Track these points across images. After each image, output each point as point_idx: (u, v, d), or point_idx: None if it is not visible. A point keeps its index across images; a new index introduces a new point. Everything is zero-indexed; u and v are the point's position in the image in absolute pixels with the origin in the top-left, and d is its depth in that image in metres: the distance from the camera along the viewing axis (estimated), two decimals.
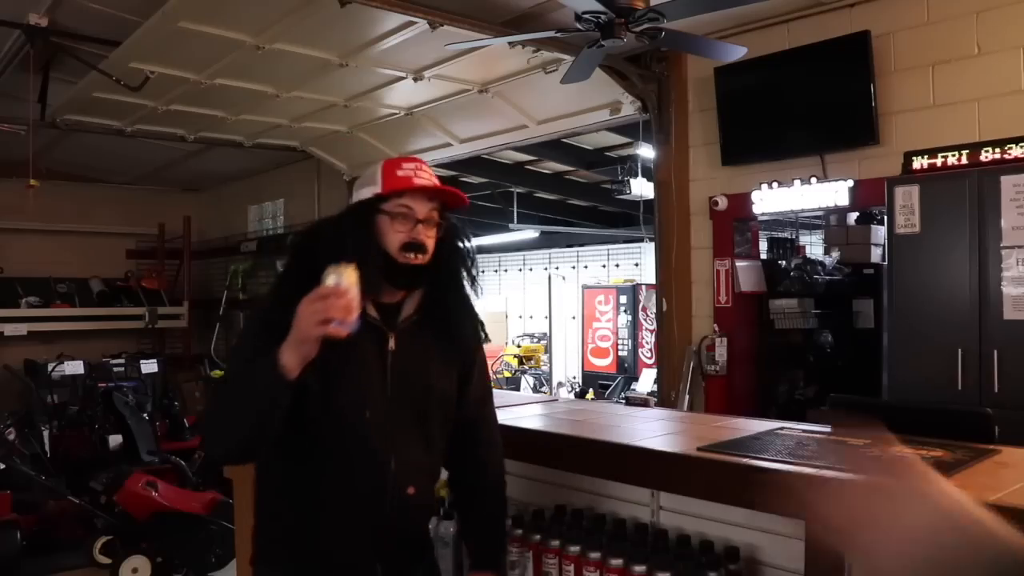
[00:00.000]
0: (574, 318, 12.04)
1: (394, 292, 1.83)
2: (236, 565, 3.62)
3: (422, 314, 1.84)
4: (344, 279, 1.58)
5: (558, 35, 4.03)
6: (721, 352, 5.25)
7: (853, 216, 5.72)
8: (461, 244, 1.92)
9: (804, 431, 2.05)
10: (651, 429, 2.26)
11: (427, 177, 1.80)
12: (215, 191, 10.73)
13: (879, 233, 5.38)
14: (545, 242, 13.72)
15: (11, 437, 5.56)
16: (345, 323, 1.58)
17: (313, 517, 1.74)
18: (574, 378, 11.82)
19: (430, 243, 1.80)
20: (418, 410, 1.80)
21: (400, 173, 1.78)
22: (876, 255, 5.53)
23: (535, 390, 11.15)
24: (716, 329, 5.31)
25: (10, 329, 8.24)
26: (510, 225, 11.44)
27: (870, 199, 4.66)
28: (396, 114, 6.70)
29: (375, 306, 1.80)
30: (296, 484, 1.77)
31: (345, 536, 1.74)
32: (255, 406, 1.61)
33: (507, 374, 12.06)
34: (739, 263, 5.30)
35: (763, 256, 5.77)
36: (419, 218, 1.76)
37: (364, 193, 1.79)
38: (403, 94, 6.15)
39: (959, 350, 3.75)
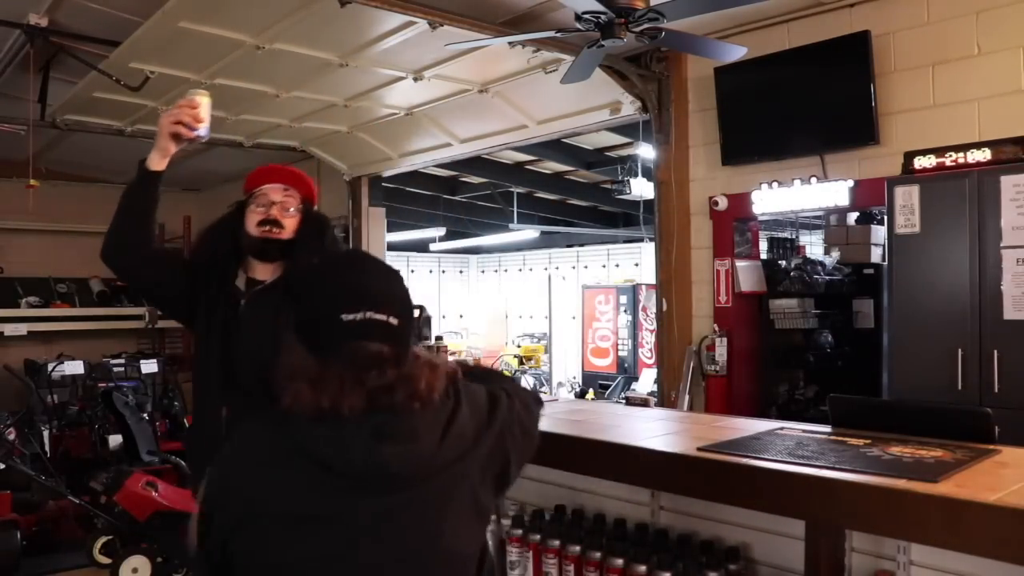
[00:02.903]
0: (574, 318, 12.05)
1: (267, 268, 2.21)
2: None
3: (278, 281, 2.21)
4: (198, 97, 2.08)
5: (558, 35, 4.02)
6: (721, 352, 5.25)
7: (853, 216, 5.72)
8: (320, 223, 2.30)
9: (804, 431, 2.05)
10: (651, 429, 2.26)
11: (280, 173, 2.22)
12: (215, 191, 10.72)
13: (879, 233, 5.38)
14: (545, 242, 13.73)
15: (11, 437, 5.56)
16: (192, 128, 2.09)
17: None
18: (574, 378, 11.83)
19: (288, 221, 2.18)
20: None
21: (260, 176, 2.24)
22: (876, 255, 5.53)
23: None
24: (716, 329, 5.30)
25: (10, 329, 8.24)
26: (510, 225, 11.45)
27: (870, 199, 4.65)
28: (396, 114, 6.70)
29: (245, 280, 2.22)
30: None
31: None
32: (126, 198, 2.18)
33: (507, 374, 12.06)
34: (739, 263, 5.30)
35: (763, 256, 5.76)
36: (273, 200, 2.15)
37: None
38: (403, 94, 6.15)
39: (959, 350, 3.75)
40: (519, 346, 12.88)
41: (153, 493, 4.72)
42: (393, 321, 1.32)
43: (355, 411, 1.26)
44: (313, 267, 1.48)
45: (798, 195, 4.88)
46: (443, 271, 15.17)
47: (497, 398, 1.45)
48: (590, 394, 10.74)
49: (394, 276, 1.41)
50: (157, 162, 2.17)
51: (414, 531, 1.30)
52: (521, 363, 12.25)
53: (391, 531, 1.28)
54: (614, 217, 12.38)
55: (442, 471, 1.32)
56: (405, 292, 1.39)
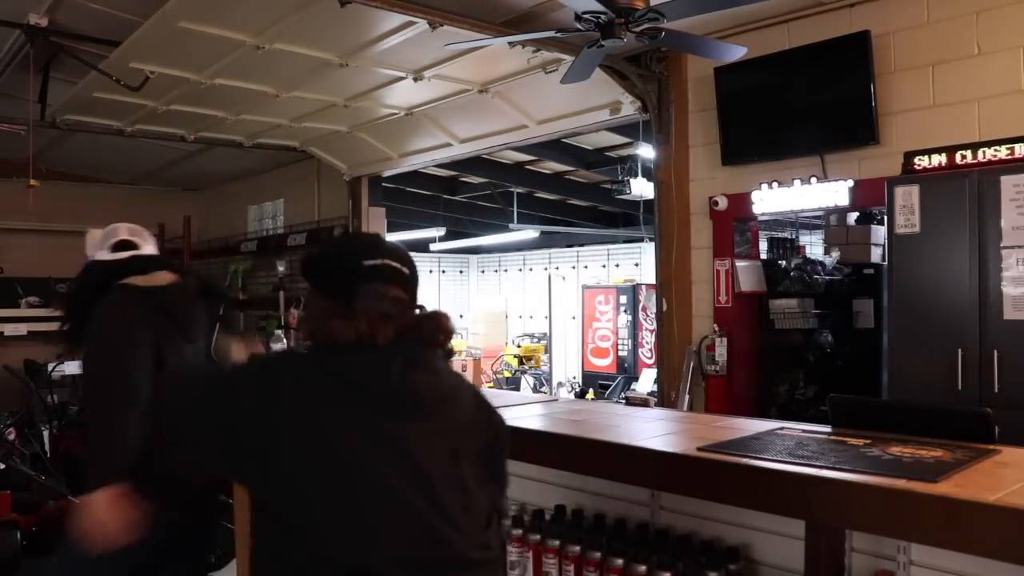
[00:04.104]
0: (574, 318, 12.04)
1: None
2: (236, 565, 3.62)
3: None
4: None
5: (558, 35, 4.02)
6: (721, 352, 5.25)
7: (853, 216, 5.72)
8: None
9: (804, 431, 2.05)
10: (651, 429, 2.26)
11: None
12: (215, 191, 10.72)
13: (879, 233, 5.38)
14: (545, 242, 13.73)
15: (11, 437, 5.56)
16: None
17: None
18: (574, 378, 11.82)
19: None
20: None
21: None
22: (876, 255, 5.52)
23: (535, 390, 11.15)
24: (716, 329, 5.30)
25: (10, 329, 8.24)
26: (510, 225, 11.45)
27: (870, 199, 4.66)
28: (396, 114, 6.70)
29: None
30: None
31: None
32: None
33: (507, 374, 12.06)
34: (739, 263, 5.30)
35: (763, 256, 5.76)
36: None
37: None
38: (403, 94, 6.15)
39: (959, 350, 3.75)
40: (519, 346, 12.87)
41: None
42: (405, 270, 1.52)
43: (388, 341, 1.41)
44: (332, 240, 1.81)
45: (798, 195, 4.88)
46: (443, 271, 15.17)
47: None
48: (590, 394, 10.74)
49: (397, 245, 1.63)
50: None
51: (429, 457, 1.39)
52: (521, 363, 12.24)
53: (407, 454, 1.37)
54: (614, 217, 12.38)
55: (452, 410, 1.47)
56: (408, 255, 1.58)
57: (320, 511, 1.33)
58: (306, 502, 1.33)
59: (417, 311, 1.51)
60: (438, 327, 1.48)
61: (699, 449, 1.83)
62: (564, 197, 11.58)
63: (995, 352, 3.65)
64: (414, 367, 1.41)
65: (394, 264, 1.49)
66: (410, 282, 1.51)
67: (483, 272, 15.65)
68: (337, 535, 1.32)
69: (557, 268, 13.94)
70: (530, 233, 12.31)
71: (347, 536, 1.32)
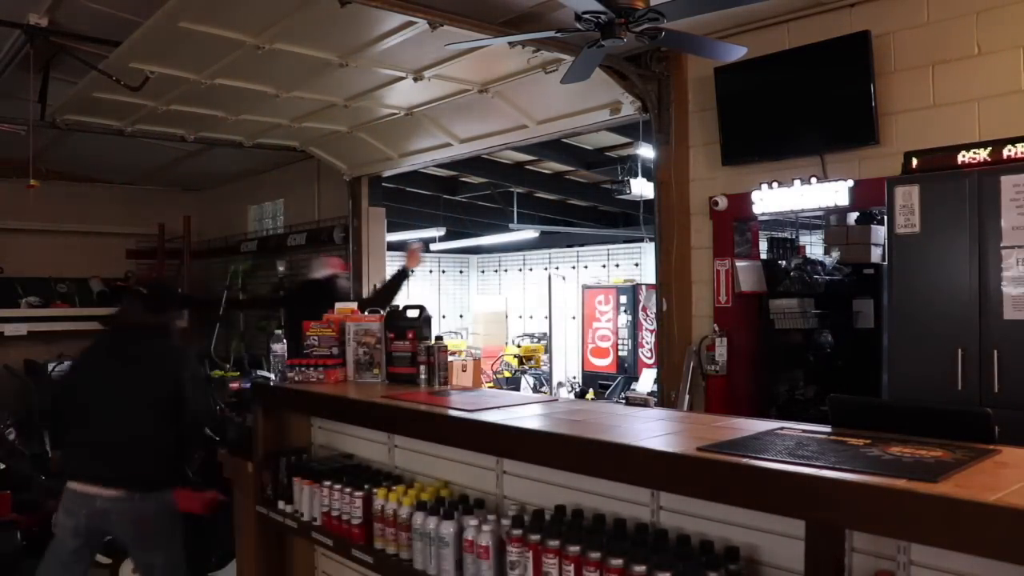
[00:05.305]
0: (574, 318, 12.05)
1: None
2: (236, 565, 3.63)
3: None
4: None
5: (558, 35, 4.02)
6: (721, 352, 5.25)
7: (853, 216, 5.72)
8: None
9: (804, 431, 2.04)
10: (651, 429, 2.25)
11: None
12: (215, 191, 10.73)
13: (879, 233, 5.38)
14: (545, 242, 13.73)
15: (11, 437, 5.56)
16: None
17: None
18: (574, 378, 11.82)
19: None
20: None
21: None
22: (876, 255, 5.53)
23: (535, 390, 11.15)
24: (716, 329, 5.30)
25: (10, 329, 8.25)
26: (510, 225, 11.45)
27: (870, 199, 4.66)
28: (396, 114, 6.70)
29: None
30: None
31: None
32: None
33: (507, 374, 12.06)
34: (739, 263, 5.30)
35: (763, 256, 5.76)
36: None
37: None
38: (403, 94, 6.15)
39: (959, 350, 3.75)
40: (519, 346, 12.88)
41: None
42: (144, 291, 3.55)
43: (135, 328, 3.47)
44: None
45: (798, 195, 4.88)
46: (443, 271, 15.16)
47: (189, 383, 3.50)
48: (590, 394, 10.74)
49: (163, 283, 3.45)
50: None
51: (130, 385, 3.33)
52: (521, 363, 12.24)
53: (122, 383, 3.34)
54: (614, 217, 12.38)
55: (149, 368, 3.39)
56: (163, 287, 3.97)
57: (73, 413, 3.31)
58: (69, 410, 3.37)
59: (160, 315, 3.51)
60: (139, 321, 3.41)
61: (699, 449, 1.83)
62: (564, 197, 11.58)
63: (995, 352, 3.65)
64: (136, 341, 3.37)
65: (139, 289, 3.35)
66: (150, 299, 3.48)
67: (483, 272, 15.65)
68: (74, 425, 3.32)
69: (557, 268, 13.94)
70: (530, 233, 12.31)
71: (76, 425, 3.31)
